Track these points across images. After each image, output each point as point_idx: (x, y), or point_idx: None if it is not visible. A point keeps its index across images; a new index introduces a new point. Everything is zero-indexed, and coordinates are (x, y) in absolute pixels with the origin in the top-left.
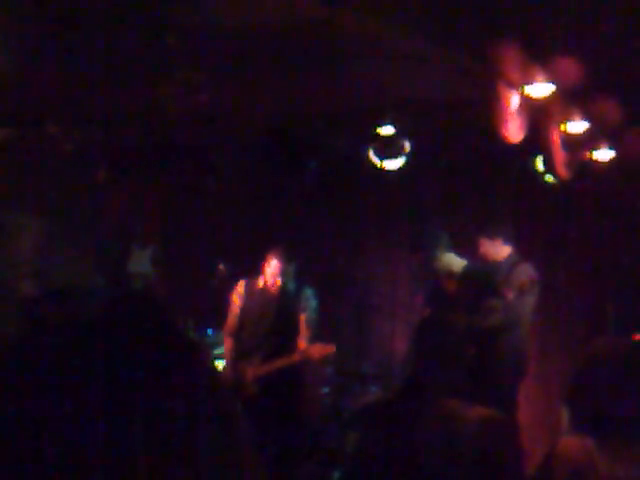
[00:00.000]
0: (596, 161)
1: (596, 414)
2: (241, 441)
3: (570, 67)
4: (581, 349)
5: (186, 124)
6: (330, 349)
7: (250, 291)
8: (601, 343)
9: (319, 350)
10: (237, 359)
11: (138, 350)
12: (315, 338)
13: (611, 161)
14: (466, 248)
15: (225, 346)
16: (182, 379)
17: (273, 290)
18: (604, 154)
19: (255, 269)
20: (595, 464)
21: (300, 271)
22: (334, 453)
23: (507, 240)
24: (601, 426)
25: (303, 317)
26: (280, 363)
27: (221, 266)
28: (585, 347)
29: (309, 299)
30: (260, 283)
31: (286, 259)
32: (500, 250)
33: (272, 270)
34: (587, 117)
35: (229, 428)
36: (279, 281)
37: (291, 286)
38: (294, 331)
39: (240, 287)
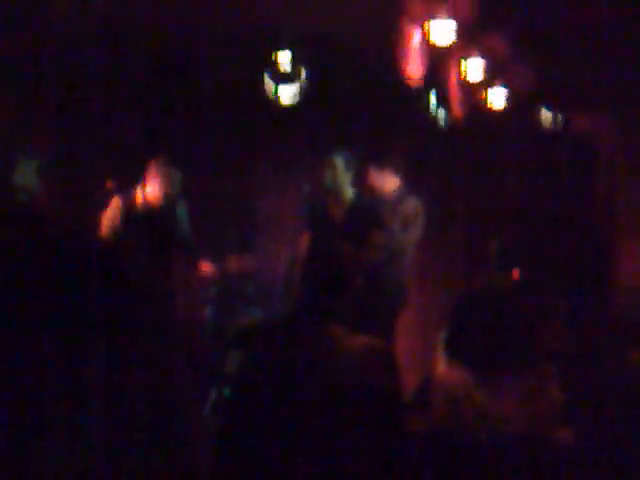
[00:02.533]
0: (489, 99)
1: (474, 349)
2: None
3: (468, 4)
4: (461, 283)
5: (79, 36)
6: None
7: (127, 208)
8: (482, 279)
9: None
10: None
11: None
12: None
13: (504, 99)
14: (357, 178)
15: None
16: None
17: (154, 204)
18: (497, 92)
19: (138, 184)
20: (471, 395)
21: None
22: (214, 372)
23: (396, 172)
24: (479, 361)
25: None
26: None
27: (109, 181)
28: (467, 282)
29: (181, 213)
30: (139, 198)
31: (167, 172)
32: (389, 182)
33: (153, 183)
34: (483, 55)
35: None
36: (159, 194)
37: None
38: (165, 250)
39: (114, 204)
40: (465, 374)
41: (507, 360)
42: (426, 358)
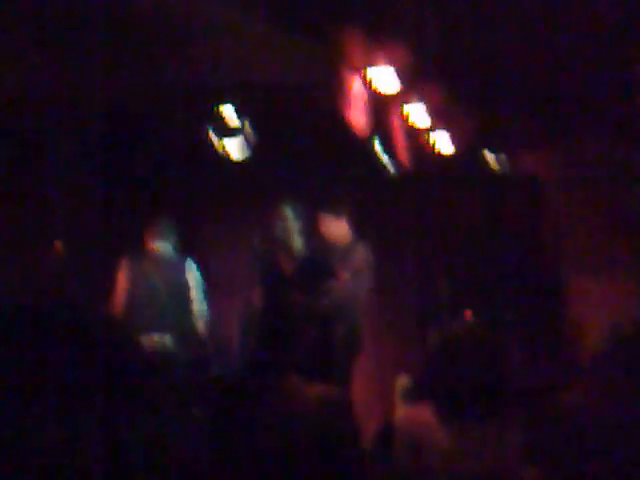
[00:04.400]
0: (433, 143)
1: (438, 393)
2: None
3: (406, 50)
4: (413, 328)
5: (19, 105)
6: None
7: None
8: (456, 327)
9: None
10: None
11: None
12: None
13: (446, 143)
14: (307, 227)
15: None
16: None
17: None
18: (439, 136)
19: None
20: (434, 438)
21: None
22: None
23: (346, 220)
24: (442, 404)
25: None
26: None
27: (58, 243)
28: (419, 327)
29: (192, 272)
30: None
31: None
32: (339, 230)
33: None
34: (423, 100)
35: None
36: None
37: (172, 257)
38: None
39: (124, 264)
40: (428, 417)
41: (470, 403)
42: (384, 405)
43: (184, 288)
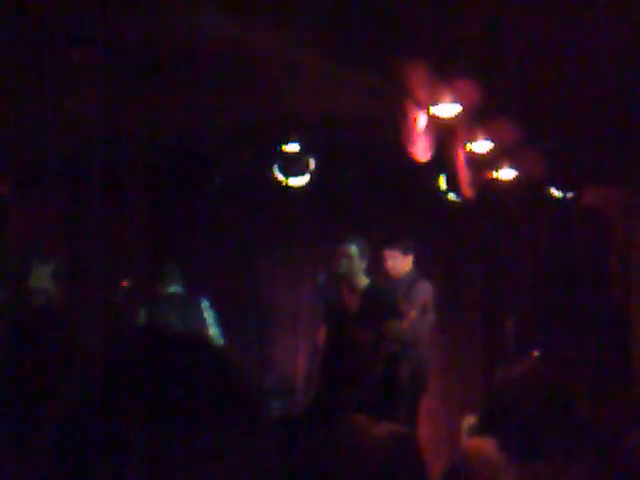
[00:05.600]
0: (499, 180)
1: (506, 433)
2: None
3: (474, 88)
4: (479, 366)
5: (90, 139)
6: None
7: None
8: (522, 366)
9: None
10: None
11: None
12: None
13: (513, 180)
14: (371, 264)
15: None
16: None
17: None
18: (506, 173)
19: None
20: (498, 468)
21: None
22: None
23: (410, 255)
24: (509, 444)
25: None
26: None
27: (124, 282)
28: (485, 366)
29: (207, 311)
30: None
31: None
32: (405, 264)
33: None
34: (490, 137)
35: None
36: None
37: (184, 297)
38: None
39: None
40: (491, 451)
41: (535, 442)
42: (450, 444)
43: (201, 326)
